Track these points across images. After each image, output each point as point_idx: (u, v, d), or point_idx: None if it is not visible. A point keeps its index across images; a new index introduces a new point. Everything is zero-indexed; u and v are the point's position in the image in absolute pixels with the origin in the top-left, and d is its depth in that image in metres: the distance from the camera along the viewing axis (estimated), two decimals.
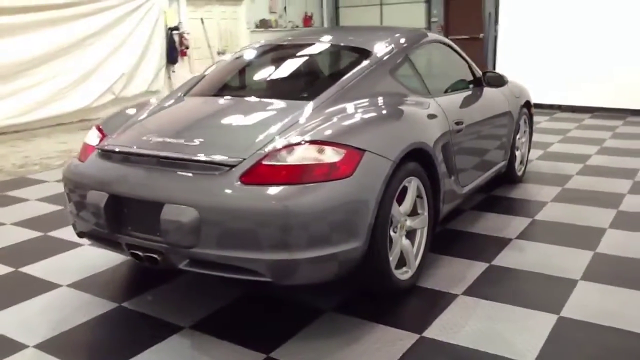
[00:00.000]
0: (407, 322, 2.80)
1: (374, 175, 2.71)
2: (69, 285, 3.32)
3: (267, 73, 3.89)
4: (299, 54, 3.86)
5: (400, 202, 2.95)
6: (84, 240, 3.88)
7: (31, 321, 2.92)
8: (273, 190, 2.52)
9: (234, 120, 3.09)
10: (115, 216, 2.81)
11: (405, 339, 2.64)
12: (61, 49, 9.26)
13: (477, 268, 3.39)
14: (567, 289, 3.09)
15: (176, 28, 11.22)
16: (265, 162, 2.59)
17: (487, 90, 4.35)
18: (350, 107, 3.03)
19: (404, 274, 3.04)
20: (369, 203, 2.67)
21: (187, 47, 11.53)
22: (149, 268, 3.42)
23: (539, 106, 5.25)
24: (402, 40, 3.71)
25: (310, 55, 3.87)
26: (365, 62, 3.38)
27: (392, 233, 2.90)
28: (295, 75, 3.73)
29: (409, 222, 3.08)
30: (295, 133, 2.74)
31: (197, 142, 2.81)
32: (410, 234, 3.12)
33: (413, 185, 3.04)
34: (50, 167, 6.42)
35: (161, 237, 2.64)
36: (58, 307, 3.08)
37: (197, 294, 3.17)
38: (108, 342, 2.73)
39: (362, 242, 2.67)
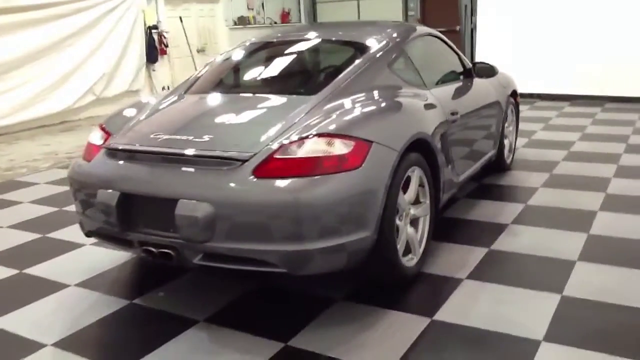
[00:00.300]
0: (418, 307, 2.89)
1: (381, 166, 2.78)
2: (77, 285, 3.34)
3: (267, 69, 3.93)
4: (296, 50, 3.92)
5: (404, 192, 3.03)
6: (86, 241, 3.94)
7: (45, 321, 2.94)
8: (286, 183, 2.58)
9: (240, 116, 3.14)
10: (127, 214, 2.83)
11: (418, 323, 2.73)
12: (40, 50, 9.16)
13: (478, 253, 3.49)
14: (567, 270, 3.21)
15: (155, 27, 11.16)
16: (276, 156, 2.65)
17: (476, 80, 4.46)
18: (353, 100, 3.10)
19: (409, 261, 3.12)
20: (378, 193, 2.75)
21: (166, 46, 11.48)
22: (155, 265, 3.49)
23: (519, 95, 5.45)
24: (397, 34, 3.79)
25: (309, 51, 3.93)
26: (364, 56, 3.45)
27: (398, 222, 2.98)
28: (295, 70, 3.79)
29: (412, 211, 3.16)
30: (303, 127, 2.80)
31: (206, 138, 2.85)
32: (414, 222, 3.20)
33: (416, 174, 3.13)
34: (38, 170, 6.37)
35: (175, 232, 2.68)
36: (70, 306, 3.10)
37: (206, 289, 3.22)
38: (126, 338, 2.76)
39: (372, 231, 2.75)
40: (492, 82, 4.72)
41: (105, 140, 3.17)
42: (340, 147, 2.68)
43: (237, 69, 3.97)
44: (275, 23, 14.49)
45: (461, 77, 4.39)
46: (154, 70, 11.33)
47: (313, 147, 2.66)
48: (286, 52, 3.94)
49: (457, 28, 13.50)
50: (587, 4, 9.11)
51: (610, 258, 3.33)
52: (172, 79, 11.77)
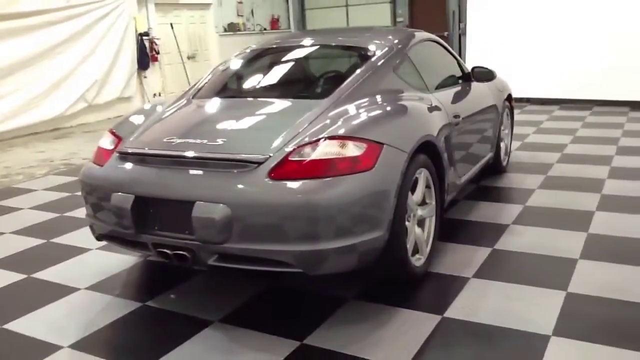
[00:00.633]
0: (428, 305, 2.95)
1: (392, 168, 2.85)
2: (87, 288, 3.36)
3: (275, 74, 3.99)
4: (303, 55, 3.99)
5: (412, 193, 3.10)
6: (92, 245, 3.96)
7: (59, 323, 2.96)
8: (301, 184, 2.63)
9: (251, 119, 3.19)
10: (141, 217, 2.87)
11: (429, 320, 2.79)
12: (32, 57, 9.15)
13: (482, 253, 3.57)
14: (569, 268, 3.29)
15: (146, 34, 11.18)
16: (291, 158, 2.70)
17: (474, 85, 4.56)
18: (362, 103, 3.17)
19: (417, 261, 3.18)
20: (390, 194, 2.81)
21: (157, 53, 11.49)
22: (163, 267, 3.54)
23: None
24: (400, 40, 3.87)
25: (315, 56, 4.00)
26: (370, 61, 3.53)
27: (407, 222, 3.04)
28: (303, 75, 3.86)
29: (420, 211, 3.23)
30: (315, 130, 2.86)
31: (219, 141, 2.90)
32: (420, 223, 3.27)
33: (423, 176, 3.20)
34: (34, 176, 6.36)
35: (191, 234, 2.72)
36: (82, 309, 3.12)
37: (217, 290, 3.25)
38: (142, 339, 2.79)
39: (384, 232, 2.81)
40: (489, 86, 4.82)
41: (117, 144, 3.21)
42: (353, 149, 2.74)
43: (244, 74, 4.02)
44: (265, 30, 14.57)
45: (460, 81, 4.48)
46: (145, 77, 11.34)
47: (326, 150, 2.72)
48: (292, 57, 4.00)
49: (446, 34, 13.68)
50: (574, 10, 9.29)
51: (611, 256, 3.42)
52: (163, 85, 11.79)
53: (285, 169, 2.67)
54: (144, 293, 3.28)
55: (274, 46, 4.21)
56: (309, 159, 2.70)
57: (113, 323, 2.94)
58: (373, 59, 3.56)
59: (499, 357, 2.47)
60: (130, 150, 3.06)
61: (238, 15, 13.84)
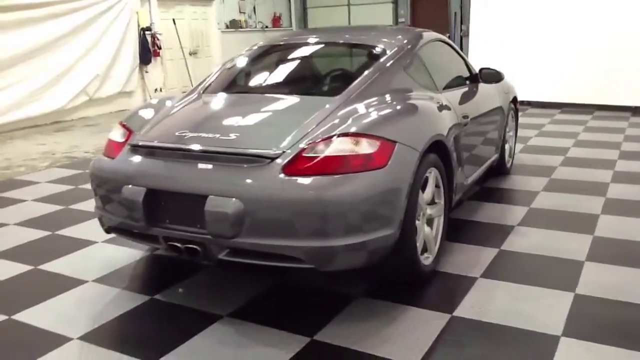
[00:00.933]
0: (436, 304, 2.96)
1: (405, 166, 2.86)
2: (94, 281, 3.36)
3: (286, 71, 3.99)
4: (314, 52, 3.99)
5: (422, 192, 3.11)
6: (98, 238, 3.96)
7: (67, 315, 2.96)
8: (315, 180, 2.64)
9: (264, 115, 3.20)
10: (152, 210, 2.87)
11: (439, 319, 2.80)
12: (34, 50, 9.13)
13: (489, 253, 3.58)
14: (576, 269, 3.31)
15: (148, 28, 11.18)
16: (305, 154, 2.71)
17: (481, 86, 4.57)
18: (375, 101, 3.18)
19: (426, 260, 3.19)
20: (402, 192, 2.82)
21: (159, 48, 11.48)
22: (170, 261, 3.54)
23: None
24: (410, 39, 3.87)
25: (327, 54, 4.00)
26: (381, 60, 3.53)
27: (416, 221, 3.05)
28: (314, 72, 3.86)
29: (429, 211, 3.24)
30: (328, 126, 2.87)
31: (232, 136, 2.90)
32: (429, 222, 3.28)
33: (433, 175, 3.21)
34: (37, 169, 6.34)
35: (203, 228, 2.72)
36: (91, 301, 3.11)
37: (225, 285, 3.26)
38: (152, 332, 2.78)
39: (395, 230, 2.82)
40: (495, 88, 4.83)
41: (127, 137, 3.20)
42: (366, 147, 2.75)
43: (254, 70, 4.02)
44: (267, 27, 14.58)
45: (467, 82, 4.49)
46: (146, 72, 11.33)
47: (340, 146, 2.73)
48: (303, 54, 4.01)
49: (447, 35, 13.72)
50: (577, 15, 9.32)
51: (617, 258, 3.43)
52: (165, 81, 11.78)
53: (299, 165, 2.68)
54: (151, 286, 3.28)
55: (284, 43, 4.21)
56: (322, 155, 2.71)
57: (122, 316, 2.94)
58: (384, 57, 3.57)
59: (510, 357, 2.48)
60: (142, 143, 3.05)
61: (240, 12, 13.84)
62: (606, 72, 9.08)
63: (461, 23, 13.82)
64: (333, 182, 2.64)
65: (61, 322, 2.88)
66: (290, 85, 3.75)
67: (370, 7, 14.81)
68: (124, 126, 3.31)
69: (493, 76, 4.48)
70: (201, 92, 3.67)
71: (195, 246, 2.79)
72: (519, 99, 5.89)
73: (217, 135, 2.92)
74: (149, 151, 3.01)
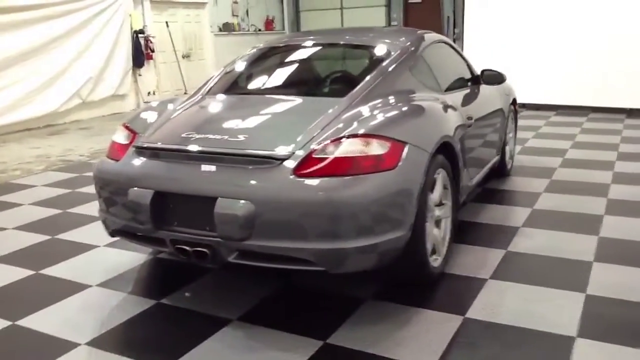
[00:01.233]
0: (448, 306, 2.93)
1: (415, 167, 2.84)
2: (98, 285, 3.30)
3: (290, 72, 3.95)
4: (318, 53, 3.96)
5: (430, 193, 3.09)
6: (99, 242, 3.91)
7: (73, 320, 2.90)
8: (327, 182, 2.60)
9: (271, 116, 3.16)
10: (160, 213, 2.82)
11: (451, 321, 2.77)
12: (26, 52, 9.03)
13: (496, 254, 3.56)
14: (585, 270, 3.30)
15: (142, 31, 11.10)
16: (315, 156, 2.68)
17: (483, 87, 4.56)
18: (382, 102, 3.15)
19: (435, 262, 3.17)
20: (413, 193, 2.80)
21: (152, 51, 11.40)
22: (174, 265, 3.50)
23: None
24: (415, 40, 3.85)
25: (331, 55, 3.99)
26: (387, 61, 3.51)
27: (426, 223, 3.02)
28: (319, 73, 3.84)
29: (437, 212, 3.21)
30: (338, 127, 2.84)
31: (241, 137, 2.86)
32: (437, 224, 3.25)
33: (441, 176, 3.19)
34: (32, 172, 6.26)
35: (212, 231, 2.68)
36: (96, 306, 3.06)
37: (231, 288, 3.21)
38: (160, 338, 2.73)
39: (406, 231, 2.79)
40: (497, 89, 4.82)
41: (132, 139, 3.16)
42: (377, 148, 2.72)
43: (258, 71, 3.97)
44: (260, 30, 14.55)
45: (469, 83, 4.48)
46: (140, 75, 11.24)
47: (351, 147, 2.70)
48: (308, 56, 3.98)
49: None
50: (571, 18, 9.36)
51: (625, 259, 3.43)
52: (158, 84, 11.70)
53: (310, 166, 2.65)
54: (157, 291, 3.23)
55: (287, 45, 4.17)
56: (333, 156, 2.68)
57: (129, 320, 2.88)
58: (390, 58, 3.54)
59: (526, 359, 2.45)
60: (148, 145, 3.01)
61: (233, 15, 13.80)
62: (600, 74, 9.13)
63: (454, 27, 13.86)
64: (345, 183, 2.61)
65: (67, 328, 2.82)
66: (295, 86, 3.72)
67: (363, 10, 14.82)
68: (127, 128, 3.26)
69: (495, 78, 4.47)
70: (205, 93, 3.63)
71: (204, 249, 2.74)
72: None
73: (225, 137, 2.88)
74: (156, 153, 2.97)
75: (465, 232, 3.94)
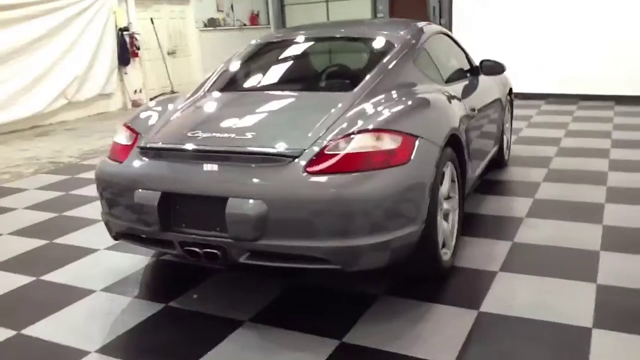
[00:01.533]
0: (461, 300, 2.91)
1: (427, 161, 2.80)
2: (103, 290, 3.23)
3: (294, 67, 3.88)
4: (321, 47, 3.92)
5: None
6: (99, 245, 3.85)
7: (81, 327, 2.84)
8: (340, 178, 2.56)
9: (278, 113, 3.11)
10: (168, 214, 2.76)
11: (466, 315, 2.75)
12: (9, 52, 8.85)
13: (503, 246, 3.55)
14: (593, 259, 3.29)
15: (126, 29, 10.93)
16: (327, 152, 2.63)
17: (482, 78, 4.54)
18: (390, 96, 3.11)
19: (444, 255, 3.14)
20: (426, 188, 2.76)
21: (138, 48, 11.23)
22: (177, 266, 3.44)
23: None
24: (417, 32, 3.81)
25: (335, 49, 3.93)
26: (391, 54, 3.46)
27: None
28: (324, 68, 3.78)
29: (446, 205, 3.19)
30: (348, 123, 2.79)
31: (249, 135, 2.80)
32: (445, 217, 3.22)
33: (449, 169, 3.16)
34: (22, 176, 6.13)
35: (223, 231, 2.63)
36: (103, 311, 2.99)
37: (239, 289, 3.16)
38: (172, 342, 2.67)
39: (420, 226, 2.76)
40: (494, 79, 4.80)
41: (135, 140, 3.08)
42: (389, 142, 2.68)
43: (261, 67, 3.90)
44: (245, 25, 14.42)
45: (467, 74, 4.45)
46: (125, 74, 11.08)
47: (363, 143, 2.65)
48: (310, 50, 3.92)
49: None
50: (557, 6, 9.39)
51: (632, 247, 3.43)
52: (144, 82, 11.55)
53: (322, 163, 2.60)
54: (163, 294, 3.16)
55: (287, 39, 4.09)
56: (344, 152, 2.63)
57: (139, 325, 2.82)
58: (394, 51, 3.49)
59: (547, 351, 2.44)
60: (153, 145, 2.94)
61: (218, 10, 13.67)
62: (589, 62, 9.18)
63: (440, 17, 13.82)
64: (358, 179, 2.57)
65: (75, 335, 2.76)
66: (300, 82, 3.66)
67: (348, 3, 14.73)
68: (129, 128, 3.19)
69: (494, 68, 4.45)
70: (206, 91, 3.56)
71: (214, 250, 2.69)
72: None
73: (233, 135, 2.82)
74: (161, 153, 2.90)
75: (469, 225, 3.91)
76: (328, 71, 3.82)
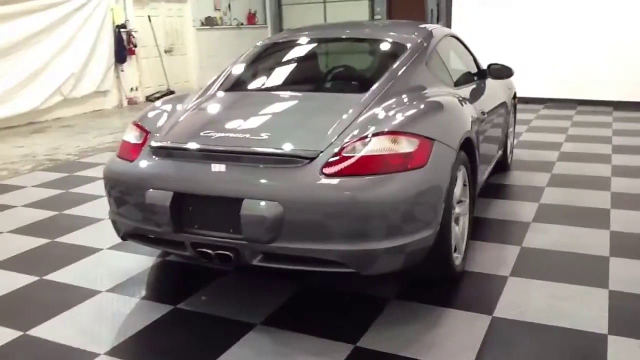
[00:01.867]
0: (474, 305, 2.89)
1: (443, 164, 2.78)
2: (109, 291, 3.18)
3: (306, 67, 3.85)
4: (333, 48, 3.88)
5: None
6: (102, 245, 3.80)
7: (89, 328, 2.78)
8: (357, 181, 2.53)
9: (292, 113, 3.07)
10: (180, 215, 2.72)
11: (480, 320, 2.73)
12: (6, 48, 8.74)
13: (512, 251, 3.53)
14: (603, 265, 3.28)
15: (124, 26, 10.83)
16: (344, 154, 2.60)
17: (489, 81, 4.52)
18: (404, 98, 3.08)
19: (456, 260, 3.12)
20: (442, 192, 2.74)
21: (135, 46, 11.14)
22: (186, 268, 3.40)
23: None
24: (428, 35, 3.78)
25: (347, 50, 3.90)
26: (404, 56, 3.43)
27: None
28: (336, 69, 3.74)
29: (457, 209, 3.16)
30: (364, 125, 2.76)
31: (264, 136, 2.76)
32: (456, 221, 3.20)
33: (462, 173, 3.14)
34: (19, 173, 6.04)
35: (237, 233, 2.59)
36: (110, 312, 2.94)
37: (249, 291, 3.12)
38: (184, 345, 2.62)
39: (434, 230, 2.74)
40: (500, 83, 4.80)
41: (145, 139, 3.03)
42: (406, 145, 2.65)
43: (272, 66, 3.86)
44: (242, 24, 14.35)
45: (475, 77, 4.44)
46: (122, 71, 10.98)
47: (380, 145, 2.62)
48: (322, 50, 3.89)
49: None
50: (557, 11, 9.41)
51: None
52: (141, 79, 11.46)
53: (339, 165, 2.56)
54: (171, 295, 3.11)
55: (297, 39, 4.04)
56: (361, 154, 2.60)
57: (148, 327, 2.77)
58: (406, 53, 3.46)
59: (564, 357, 2.42)
60: (165, 144, 2.89)
61: (215, 9, 13.59)
62: (588, 67, 9.21)
63: (438, 20, 13.84)
64: (375, 182, 2.54)
65: (83, 337, 2.70)
66: (312, 82, 3.63)
67: (346, 4, 14.71)
68: (138, 126, 3.14)
69: (502, 72, 4.44)
70: (216, 90, 3.51)
71: (227, 252, 2.65)
72: None
73: (247, 135, 2.78)
74: (173, 153, 2.85)
75: (477, 229, 3.89)
76: (341, 73, 3.78)
